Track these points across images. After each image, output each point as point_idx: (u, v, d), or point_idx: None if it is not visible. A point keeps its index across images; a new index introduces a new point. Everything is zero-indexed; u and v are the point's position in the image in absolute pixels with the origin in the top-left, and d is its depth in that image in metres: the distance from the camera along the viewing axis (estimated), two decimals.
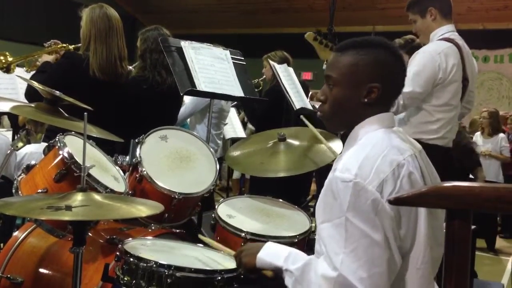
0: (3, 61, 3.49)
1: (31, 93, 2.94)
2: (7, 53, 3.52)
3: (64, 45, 3.45)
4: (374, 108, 1.58)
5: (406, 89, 2.83)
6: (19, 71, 3.66)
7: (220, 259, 1.97)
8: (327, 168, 2.51)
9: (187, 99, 4.29)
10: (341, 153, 1.64)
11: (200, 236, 2.16)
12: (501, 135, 6.66)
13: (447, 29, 3.04)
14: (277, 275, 1.60)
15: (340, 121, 1.66)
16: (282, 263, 1.56)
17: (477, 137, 6.74)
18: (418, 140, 2.84)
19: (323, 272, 1.45)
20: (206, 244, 2.11)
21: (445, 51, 2.91)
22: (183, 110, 4.19)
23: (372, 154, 1.48)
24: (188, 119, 4.57)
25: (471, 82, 3.11)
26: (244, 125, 6.60)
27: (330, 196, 1.47)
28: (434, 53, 2.90)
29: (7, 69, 3.50)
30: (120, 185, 2.28)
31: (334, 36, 2.83)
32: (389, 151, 1.49)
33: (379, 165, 1.45)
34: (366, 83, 1.55)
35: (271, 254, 1.62)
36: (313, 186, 5.61)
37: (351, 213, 1.41)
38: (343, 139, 2.77)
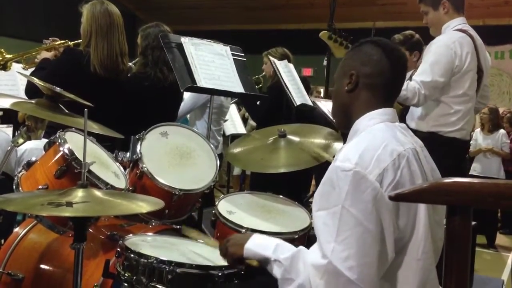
0: (0, 58, 3.47)
1: (31, 90, 2.94)
2: (2, 50, 3.51)
3: (63, 41, 3.44)
4: (358, 96, 1.63)
5: (427, 78, 2.86)
6: (18, 67, 3.66)
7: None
8: (327, 164, 2.52)
9: (186, 95, 4.28)
10: (343, 145, 1.65)
11: (184, 229, 2.13)
12: (502, 131, 6.65)
13: (459, 22, 3.06)
14: (262, 265, 1.60)
15: (339, 117, 1.74)
16: (271, 253, 1.56)
17: (477, 134, 6.73)
18: (437, 133, 2.86)
19: (312, 260, 1.46)
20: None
21: (459, 40, 2.94)
22: (182, 106, 4.19)
23: (373, 144, 1.50)
24: (188, 115, 4.57)
25: (485, 74, 3.12)
26: (244, 121, 6.59)
27: (328, 185, 1.48)
28: (449, 42, 2.92)
29: (4, 67, 3.48)
30: (120, 182, 2.28)
31: (340, 31, 2.81)
32: (389, 142, 1.51)
33: (380, 154, 1.47)
34: (348, 73, 1.65)
35: (259, 245, 1.62)
36: (313, 182, 5.61)
37: (348, 202, 1.42)
38: (344, 136, 2.78)
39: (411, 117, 3.08)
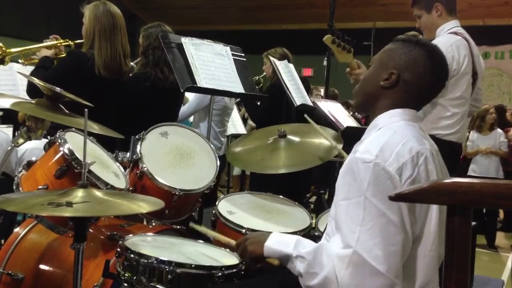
0: (0, 52, 3.47)
1: (33, 89, 2.93)
2: (1, 44, 3.50)
3: (64, 40, 3.44)
4: (390, 95, 1.64)
5: None
6: (18, 67, 3.66)
7: (221, 256, 1.97)
8: (328, 164, 2.52)
9: (190, 97, 4.28)
10: (361, 139, 1.65)
11: (192, 225, 2.13)
12: (499, 130, 6.62)
13: (453, 24, 3.07)
14: (283, 263, 1.59)
15: (361, 101, 1.74)
16: (292, 250, 1.55)
17: (473, 135, 6.62)
18: (433, 136, 2.86)
19: (336, 251, 1.46)
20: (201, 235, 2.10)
21: (456, 43, 2.94)
22: (186, 108, 4.19)
23: (393, 140, 1.52)
24: (191, 117, 4.57)
25: (479, 77, 3.13)
26: (244, 121, 6.59)
27: (350, 176, 1.50)
28: (447, 45, 2.92)
29: (1, 61, 3.48)
30: (120, 182, 2.28)
31: (343, 36, 2.80)
32: (409, 139, 1.53)
33: (400, 150, 1.49)
34: (389, 69, 1.64)
35: (280, 242, 1.61)
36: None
37: (370, 192, 1.44)
38: (344, 137, 2.78)
39: None
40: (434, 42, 3.01)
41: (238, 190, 6.71)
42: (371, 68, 1.72)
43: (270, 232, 1.67)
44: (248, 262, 1.70)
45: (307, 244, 1.56)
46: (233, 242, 1.86)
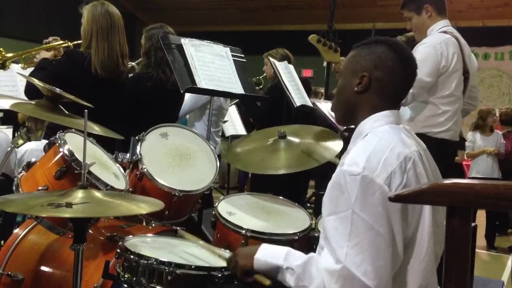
0: None
1: (31, 90, 2.94)
2: (1, 49, 3.50)
3: (63, 42, 3.44)
4: (367, 99, 1.62)
5: None
6: (18, 68, 3.65)
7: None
8: (327, 165, 2.52)
9: (185, 96, 4.28)
10: (348, 148, 1.64)
11: (180, 231, 2.13)
12: (498, 132, 6.62)
13: (443, 24, 3.11)
14: (274, 276, 1.58)
15: (341, 113, 1.72)
16: (282, 261, 1.55)
17: (474, 136, 6.57)
18: (426, 135, 2.87)
19: (326, 266, 1.45)
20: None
21: (445, 41, 2.98)
22: (182, 107, 4.19)
23: (380, 147, 1.49)
24: (187, 116, 4.57)
25: (472, 76, 3.14)
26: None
27: (337, 189, 1.48)
28: (435, 43, 2.96)
29: (3, 65, 3.48)
30: (120, 183, 2.28)
31: (335, 36, 2.81)
32: (396, 144, 1.51)
33: (387, 157, 1.47)
34: (359, 73, 1.62)
35: (269, 255, 1.60)
36: (312, 183, 5.61)
37: (358, 206, 1.42)
38: (344, 138, 2.78)
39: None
40: (423, 40, 3.04)
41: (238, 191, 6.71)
42: (340, 79, 1.71)
43: (265, 240, 1.67)
44: (240, 276, 1.68)
45: (298, 256, 1.56)
46: (223, 254, 1.86)
